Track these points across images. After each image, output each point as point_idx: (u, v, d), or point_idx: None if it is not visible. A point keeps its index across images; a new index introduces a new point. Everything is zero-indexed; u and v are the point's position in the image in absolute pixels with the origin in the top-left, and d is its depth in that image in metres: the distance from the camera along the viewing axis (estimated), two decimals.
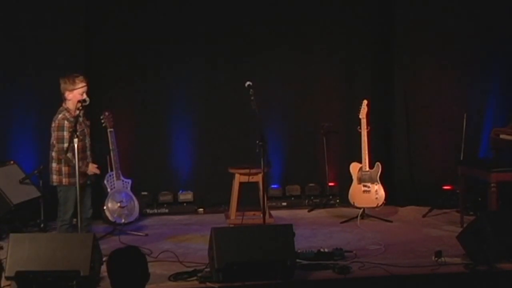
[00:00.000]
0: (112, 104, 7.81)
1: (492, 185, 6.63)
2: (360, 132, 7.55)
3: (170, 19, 8.08)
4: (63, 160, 5.97)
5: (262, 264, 5.43)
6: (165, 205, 8.09)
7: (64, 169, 5.99)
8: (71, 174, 5.93)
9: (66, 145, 5.80)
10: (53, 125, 5.99)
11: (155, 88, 8.17)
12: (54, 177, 6.05)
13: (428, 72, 8.27)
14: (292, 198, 8.33)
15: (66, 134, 5.89)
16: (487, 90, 8.26)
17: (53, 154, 6.05)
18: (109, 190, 7.42)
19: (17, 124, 7.67)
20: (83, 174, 6.06)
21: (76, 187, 5.83)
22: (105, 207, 7.35)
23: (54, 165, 6.05)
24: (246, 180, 7.04)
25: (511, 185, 6.92)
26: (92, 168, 6.16)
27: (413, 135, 8.31)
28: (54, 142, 5.99)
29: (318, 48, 8.36)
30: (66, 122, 5.94)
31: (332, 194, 8.36)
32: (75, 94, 6.01)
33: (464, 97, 8.25)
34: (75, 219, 6.03)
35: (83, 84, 6.04)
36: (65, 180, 5.99)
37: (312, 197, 8.33)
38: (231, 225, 6.99)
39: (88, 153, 6.18)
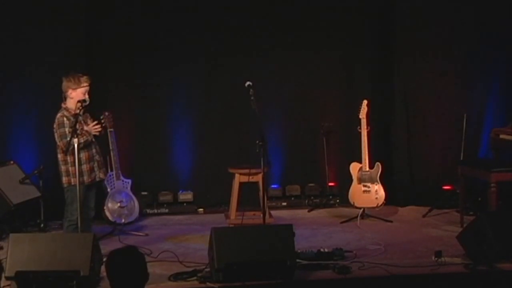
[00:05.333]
0: (112, 104, 7.82)
1: (492, 185, 6.63)
2: (360, 132, 7.55)
3: (170, 19, 8.08)
4: (69, 161, 5.98)
5: (262, 264, 5.43)
6: (165, 205, 8.09)
7: (71, 169, 5.99)
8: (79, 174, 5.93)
9: (68, 139, 5.81)
10: (54, 126, 6.01)
11: (155, 88, 8.18)
12: (64, 179, 6.05)
13: (428, 72, 8.27)
14: (292, 198, 8.34)
15: (67, 130, 5.91)
16: (487, 90, 8.25)
17: (59, 156, 6.05)
18: (109, 190, 7.43)
19: (17, 124, 7.67)
20: (90, 172, 6.08)
21: (84, 186, 5.95)
22: (105, 207, 7.37)
23: (62, 167, 6.05)
24: (246, 180, 7.03)
25: (511, 185, 6.92)
26: (91, 128, 6.10)
27: (413, 135, 8.31)
28: (58, 141, 6.00)
29: (318, 48, 8.36)
30: (65, 119, 5.96)
31: (332, 194, 8.36)
32: (78, 93, 6.02)
33: (464, 97, 8.25)
34: None
35: (87, 84, 6.06)
36: (73, 180, 5.98)
37: (312, 197, 8.33)
38: (231, 225, 6.99)
39: (94, 150, 6.17)
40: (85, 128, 6.09)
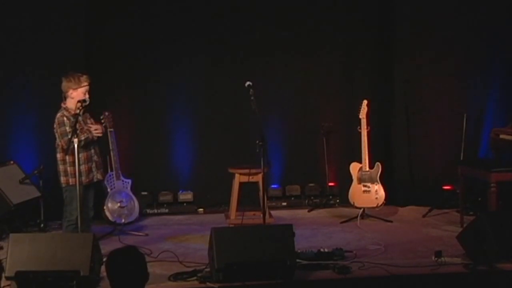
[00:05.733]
0: (112, 104, 7.82)
1: (492, 185, 6.63)
2: (360, 132, 7.55)
3: (170, 19, 8.09)
4: (68, 161, 5.98)
5: (262, 264, 5.42)
6: (165, 205, 8.10)
7: (70, 169, 5.99)
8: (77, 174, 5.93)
9: (70, 136, 5.81)
10: (54, 125, 6.01)
11: (155, 88, 8.18)
12: (62, 179, 6.05)
13: (428, 72, 8.26)
14: (292, 198, 8.34)
15: (67, 128, 5.91)
16: (487, 90, 8.26)
17: (58, 155, 6.05)
18: (109, 190, 7.43)
19: (17, 124, 7.67)
20: (88, 173, 6.08)
21: (81, 186, 5.95)
22: (105, 207, 7.37)
23: (61, 167, 6.05)
24: (246, 180, 7.03)
25: (511, 185, 6.92)
26: (92, 129, 6.13)
27: (413, 135, 8.31)
28: (58, 140, 6.00)
29: (318, 48, 8.37)
30: (65, 119, 5.97)
31: (332, 194, 8.37)
32: (79, 92, 6.02)
33: (464, 97, 8.24)
34: None
35: (87, 83, 6.07)
36: (72, 180, 5.98)
37: (312, 197, 8.33)
38: (231, 225, 6.99)
39: (92, 150, 6.17)
40: (86, 127, 6.09)
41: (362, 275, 5.65)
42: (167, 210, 8.08)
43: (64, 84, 6.05)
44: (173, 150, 8.29)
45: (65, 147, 5.92)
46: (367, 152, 7.52)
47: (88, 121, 6.24)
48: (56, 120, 6.00)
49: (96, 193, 6.43)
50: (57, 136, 6.01)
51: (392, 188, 7.94)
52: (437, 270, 5.71)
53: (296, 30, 8.30)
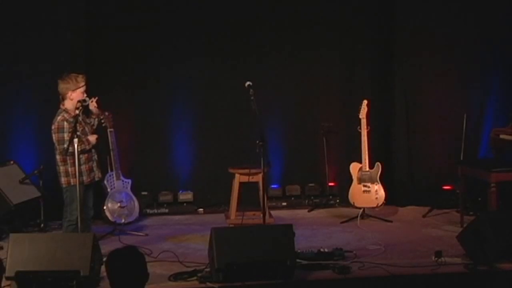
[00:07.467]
0: (112, 104, 7.81)
1: (492, 185, 6.63)
2: (360, 132, 7.55)
3: (171, 19, 8.08)
4: (68, 161, 5.98)
5: (262, 264, 5.42)
6: (165, 205, 8.10)
7: (71, 170, 5.98)
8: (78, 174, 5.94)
9: (66, 146, 5.82)
10: (52, 127, 5.98)
11: (155, 88, 8.18)
12: (63, 179, 6.04)
13: (428, 72, 8.27)
14: (292, 198, 8.33)
15: (66, 135, 5.89)
16: (487, 90, 8.26)
17: (58, 157, 6.04)
18: (109, 190, 7.43)
19: (17, 124, 7.67)
20: (89, 172, 6.08)
21: (83, 186, 5.97)
22: (105, 207, 7.37)
23: (61, 168, 6.04)
24: (246, 180, 7.04)
25: (511, 185, 6.92)
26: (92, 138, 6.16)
27: (413, 135, 8.31)
28: (55, 144, 5.99)
29: (318, 48, 8.36)
30: (65, 123, 5.93)
31: (332, 194, 8.36)
32: (78, 93, 6.02)
33: (464, 97, 8.25)
34: None
35: (84, 82, 6.07)
36: (73, 181, 5.97)
37: (312, 197, 8.32)
38: (231, 225, 6.99)
39: (93, 149, 6.17)
40: (89, 137, 6.08)
41: (362, 275, 5.65)
42: (167, 210, 8.08)
43: (62, 86, 6.02)
44: (173, 150, 8.29)
45: (63, 153, 5.92)
46: (367, 152, 7.52)
47: (88, 120, 6.25)
48: (56, 124, 5.96)
49: (96, 193, 6.43)
50: (54, 139, 5.99)
51: (392, 188, 7.94)
52: (437, 270, 5.72)
53: (296, 30, 8.29)
